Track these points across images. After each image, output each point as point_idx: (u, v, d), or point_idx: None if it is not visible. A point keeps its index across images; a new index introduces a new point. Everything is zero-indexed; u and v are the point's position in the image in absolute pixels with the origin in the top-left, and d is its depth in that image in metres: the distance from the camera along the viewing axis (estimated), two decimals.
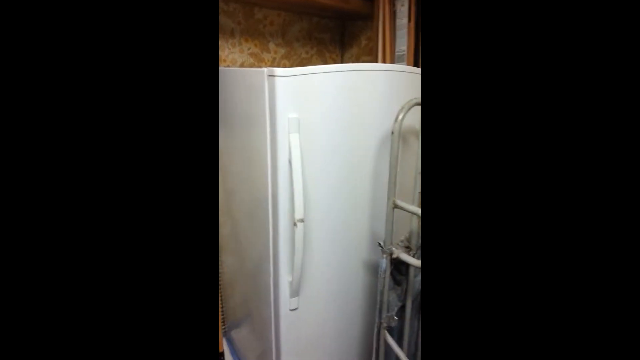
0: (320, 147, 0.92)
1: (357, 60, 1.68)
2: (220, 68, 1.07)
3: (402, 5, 1.30)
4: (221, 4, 1.30)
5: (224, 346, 1.48)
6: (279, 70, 0.81)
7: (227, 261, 1.33)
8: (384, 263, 0.95)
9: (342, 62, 1.76)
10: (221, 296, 1.47)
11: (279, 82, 0.81)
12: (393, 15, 1.34)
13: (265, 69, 0.83)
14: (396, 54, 1.35)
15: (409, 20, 1.29)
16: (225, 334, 1.53)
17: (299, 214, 0.88)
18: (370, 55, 1.61)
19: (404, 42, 1.31)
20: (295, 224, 0.89)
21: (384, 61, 1.38)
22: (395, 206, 0.91)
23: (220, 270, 1.42)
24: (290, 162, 0.87)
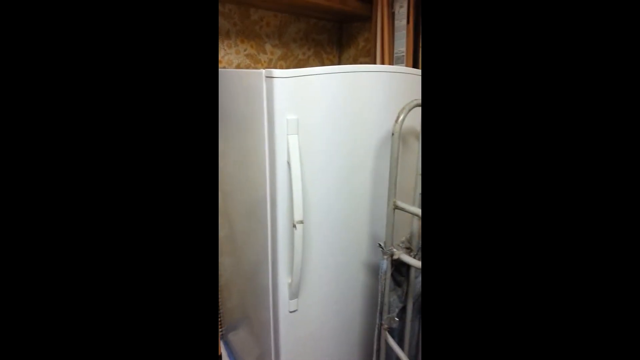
0: (319, 149, 0.92)
1: (355, 61, 1.68)
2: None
3: (401, 6, 1.30)
4: None
5: (222, 349, 1.47)
6: (277, 72, 0.80)
7: (225, 263, 1.32)
8: (385, 264, 0.95)
9: (339, 63, 1.76)
10: (219, 299, 1.46)
11: (277, 84, 0.81)
12: (391, 16, 1.34)
13: (263, 71, 0.83)
14: (395, 55, 1.35)
15: (408, 22, 1.29)
16: (223, 337, 1.52)
17: (298, 216, 0.88)
18: (368, 57, 1.61)
19: (402, 43, 1.32)
20: (294, 226, 0.89)
21: (382, 62, 1.38)
22: (396, 207, 0.91)
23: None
24: (289, 163, 0.86)
